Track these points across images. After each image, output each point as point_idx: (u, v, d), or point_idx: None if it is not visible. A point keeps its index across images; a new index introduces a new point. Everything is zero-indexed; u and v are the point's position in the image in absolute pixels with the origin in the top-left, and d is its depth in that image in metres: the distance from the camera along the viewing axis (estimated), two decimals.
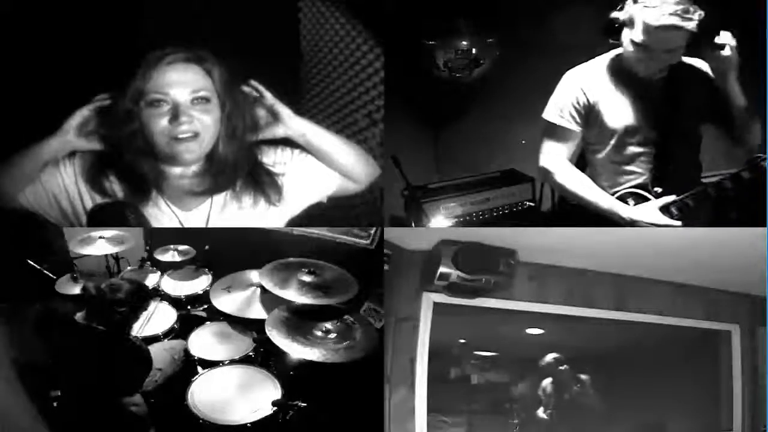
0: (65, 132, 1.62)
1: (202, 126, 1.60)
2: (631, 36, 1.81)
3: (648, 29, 1.74)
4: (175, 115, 1.56)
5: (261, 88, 1.74)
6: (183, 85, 1.58)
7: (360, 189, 1.88)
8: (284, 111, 1.75)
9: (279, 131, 1.76)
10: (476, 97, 3.33)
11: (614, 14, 1.84)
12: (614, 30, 1.85)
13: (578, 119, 1.98)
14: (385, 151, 2.39)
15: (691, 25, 1.70)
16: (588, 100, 1.95)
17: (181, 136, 1.58)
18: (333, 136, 1.82)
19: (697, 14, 1.69)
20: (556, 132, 2.02)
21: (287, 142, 1.80)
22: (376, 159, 1.95)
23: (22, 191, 1.62)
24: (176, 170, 1.70)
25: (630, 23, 1.80)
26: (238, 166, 1.71)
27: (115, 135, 1.62)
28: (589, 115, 1.97)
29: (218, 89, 1.63)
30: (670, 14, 1.69)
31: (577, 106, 1.97)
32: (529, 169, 2.92)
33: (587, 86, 1.95)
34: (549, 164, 2.04)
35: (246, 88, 1.74)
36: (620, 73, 1.94)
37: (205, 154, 1.68)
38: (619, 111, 1.95)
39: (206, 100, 1.61)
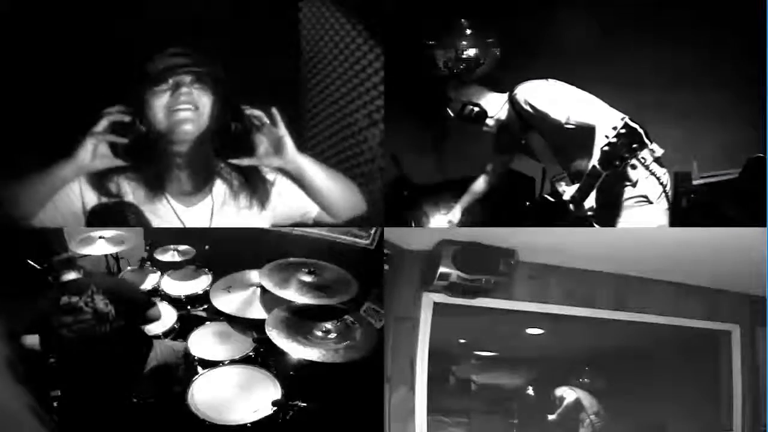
0: (80, 160, 1.56)
1: (201, 103, 1.61)
2: None
3: None
4: (176, 87, 1.58)
5: (278, 117, 1.65)
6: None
7: (337, 222, 1.84)
8: (290, 145, 1.66)
9: (275, 162, 1.68)
10: None
11: None
12: None
13: None
14: (385, 151, 2.39)
15: None
16: None
17: (180, 107, 1.58)
18: (328, 173, 1.75)
19: None
20: None
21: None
22: (374, 172, 1.91)
23: (36, 215, 1.59)
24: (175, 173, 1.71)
25: None
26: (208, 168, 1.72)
27: (123, 146, 1.59)
28: None
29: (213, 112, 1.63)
30: None
31: None
32: (529, 168, 2.91)
33: None
34: None
35: (257, 112, 1.67)
36: None
37: (200, 133, 1.64)
38: None
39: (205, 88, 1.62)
